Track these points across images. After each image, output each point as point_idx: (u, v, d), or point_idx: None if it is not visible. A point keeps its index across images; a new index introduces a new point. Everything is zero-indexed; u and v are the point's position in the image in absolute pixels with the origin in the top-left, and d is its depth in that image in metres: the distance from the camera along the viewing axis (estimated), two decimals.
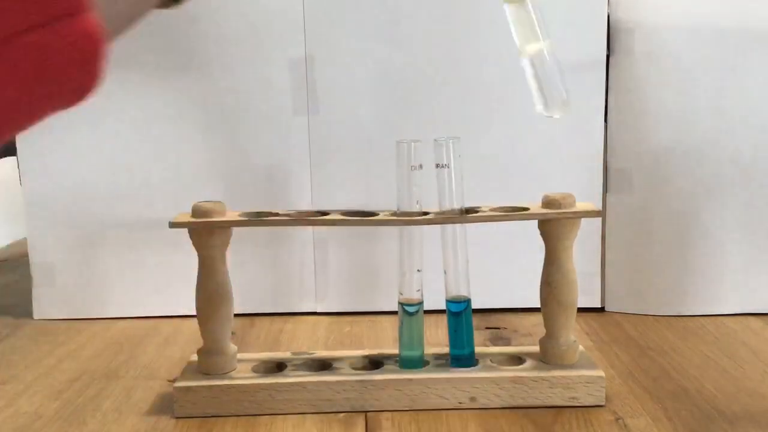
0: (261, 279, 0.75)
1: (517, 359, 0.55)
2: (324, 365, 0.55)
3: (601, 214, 0.53)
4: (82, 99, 0.26)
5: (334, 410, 0.52)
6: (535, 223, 0.53)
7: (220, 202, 0.53)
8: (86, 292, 0.75)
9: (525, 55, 0.45)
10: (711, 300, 0.72)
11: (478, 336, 0.65)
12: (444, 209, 0.52)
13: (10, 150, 0.90)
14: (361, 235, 0.74)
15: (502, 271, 0.74)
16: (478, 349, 0.55)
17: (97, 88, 0.26)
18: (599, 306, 0.75)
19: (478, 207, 0.54)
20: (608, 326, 0.70)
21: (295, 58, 0.72)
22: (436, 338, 0.65)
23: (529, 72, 0.45)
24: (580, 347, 0.55)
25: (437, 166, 0.52)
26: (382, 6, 0.71)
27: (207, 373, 0.53)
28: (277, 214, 0.54)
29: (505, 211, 0.53)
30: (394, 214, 0.53)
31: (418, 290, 0.53)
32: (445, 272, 0.54)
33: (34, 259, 0.75)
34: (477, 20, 0.71)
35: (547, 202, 0.53)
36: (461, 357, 0.54)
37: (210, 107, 0.73)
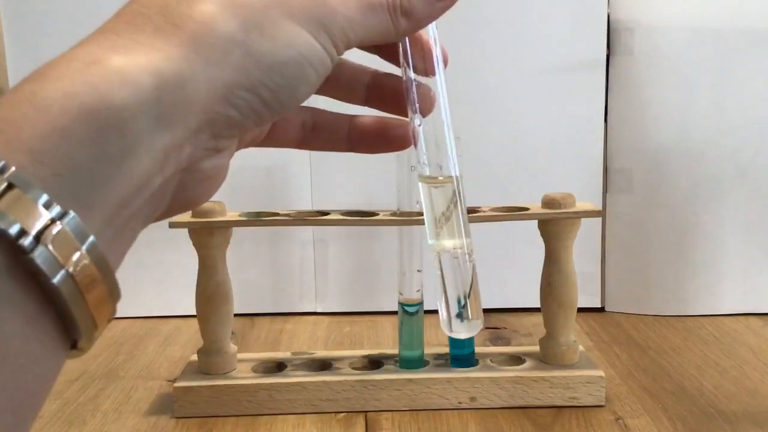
0: (261, 279, 0.75)
1: (517, 359, 0.55)
2: (324, 365, 0.54)
3: (601, 214, 0.53)
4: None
5: (334, 410, 0.52)
6: (535, 223, 0.53)
7: (220, 202, 0.53)
8: None
9: (437, 252, 0.32)
10: (711, 300, 0.72)
11: (478, 336, 0.65)
12: None
13: None
14: (361, 235, 0.74)
15: (502, 271, 0.74)
16: (478, 349, 0.55)
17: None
18: (599, 306, 0.75)
19: (478, 207, 0.54)
20: (608, 326, 0.70)
21: None
22: (436, 338, 0.65)
23: (439, 275, 0.33)
24: (580, 347, 0.55)
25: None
26: None
27: (207, 373, 0.53)
28: (277, 214, 0.54)
29: (505, 211, 0.53)
30: (394, 214, 0.53)
31: (418, 290, 0.53)
32: None
33: None
34: (477, 20, 0.71)
35: (547, 202, 0.53)
36: (461, 357, 0.54)
37: None
